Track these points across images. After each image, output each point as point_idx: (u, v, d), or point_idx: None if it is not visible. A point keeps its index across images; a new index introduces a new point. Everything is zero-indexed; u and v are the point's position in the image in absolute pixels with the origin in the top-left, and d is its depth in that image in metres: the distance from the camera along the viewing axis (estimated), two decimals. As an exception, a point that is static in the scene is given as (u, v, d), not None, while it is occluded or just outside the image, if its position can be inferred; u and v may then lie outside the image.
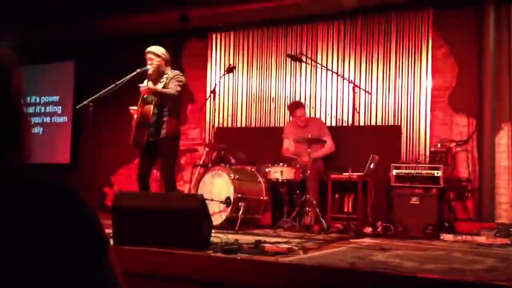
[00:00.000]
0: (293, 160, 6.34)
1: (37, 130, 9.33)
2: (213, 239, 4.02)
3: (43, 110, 9.45)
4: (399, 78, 7.03)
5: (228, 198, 5.64)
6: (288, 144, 6.79)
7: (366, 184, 6.38)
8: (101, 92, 5.04)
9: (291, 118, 7.04)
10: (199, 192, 5.67)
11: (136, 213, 3.82)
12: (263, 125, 7.79)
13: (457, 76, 6.80)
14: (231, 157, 6.25)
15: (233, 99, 8.03)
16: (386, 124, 7.04)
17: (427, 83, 6.88)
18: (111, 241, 3.70)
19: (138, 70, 5.37)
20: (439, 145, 6.49)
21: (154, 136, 5.25)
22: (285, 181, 5.99)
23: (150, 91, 5.19)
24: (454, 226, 5.98)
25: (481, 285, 2.78)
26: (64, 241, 0.92)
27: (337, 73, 7.18)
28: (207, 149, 7.16)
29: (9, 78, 1.01)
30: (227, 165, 5.95)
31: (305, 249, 3.92)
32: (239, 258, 3.39)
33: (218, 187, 5.77)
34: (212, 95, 6.85)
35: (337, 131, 6.97)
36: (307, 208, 5.79)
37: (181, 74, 5.51)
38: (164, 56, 5.43)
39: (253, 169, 6.12)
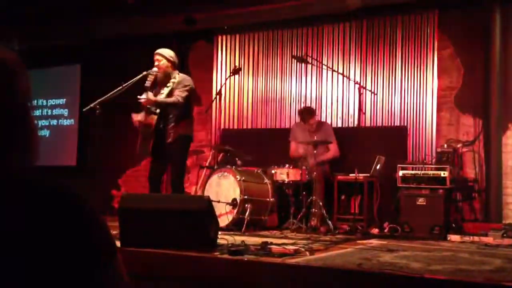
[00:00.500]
0: (299, 162, 6.34)
1: (44, 132, 9.37)
2: (219, 241, 4.03)
3: (50, 113, 9.50)
4: (405, 79, 7.02)
5: (234, 199, 5.64)
6: (295, 145, 6.79)
7: (373, 185, 6.37)
8: (108, 95, 5.06)
9: (297, 120, 7.03)
10: (206, 193, 5.68)
11: (142, 215, 3.83)
12: (269, 127, 7.80)
13: (463, 77, 6.79)
14: (237, 159, 6.25)
15: (239, 101, 8.04)
16: (392, 125, 7.03)
17: (433, 84, 6.87)
18: (118, 243, 3.71)
19: (145, 73, 5.40)
20: (445, 145, 6.47)
21: (161, 143, 5.29)
22: (291, 182, 5.99)
23: (150, 102, 5.21)
24: (461, 227, 5.96)
25: (489, 286, 2.77)
26: (65, 242, 0.93)
27: (342, 74, 7.17)
28: (213, 151, 7.17)
29: (17, 82, 1.02)
30: (233, 166, 5.95)
31: (312, 251, 3.91)
32: (245, 259, 3.39)
33: (224, 189, 5.77)
34: (218, 97, 6.87)
35: (343, 132, 6.96)
36: (314, 210, 5.78)
37: (189, 79, 5.51)
38: (172, 59, 5.45)
39: (259, 171, 6.12)
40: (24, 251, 0.90)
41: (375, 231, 5.98)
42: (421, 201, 5.90)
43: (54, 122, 9.47)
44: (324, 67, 7.33)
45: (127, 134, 7.01)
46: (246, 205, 5.56)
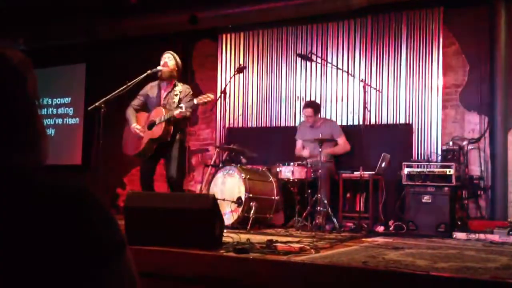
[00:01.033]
0: (305, 160, 6.34)
1: (49, 131, 9.40)
2: (225, 239, 4.03)
3: (55, 112, 9.53)
4: (409, 76, 7.01)
5: (239, 198, 5.64)
6: (301, 144, 6.80)
7: (378, 183, 6.37)
8: (113, 94, 5.08)
9: (303, 118, 7.04)
10: (211, 192, 5.69)
11: (148, 213, 3.84)
12: (274, 125, 7.80)
13: (468, 74, 6.77)
14: (242, 157, 6.26)
15: (243, 99, 8.04)
16: (397, 122, 7.02)
17: (438, 81, 6.85)
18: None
19: (149, 71, 5.43)
20: (451, 143, 6.45)
21: (161, 143, 5.41)
22: (296, 180, 5.98)
23: (182, 116, 5.32)
24: (467, 225, 5.95)
25: (495, 283, 2.77)
26: (73, 240, 0.93)
27: (347, 71, 7.16)
28: (218, 149, 7.18)
29: (24, 82, 1.02)
30: (238, 165, 5.96)
31: (317, 249, 3.91)
32: (251, 257, 3.40)
33: (229, 187, 5.78)
34: (222, 95, 6.87)
35: (348, 130, 6.96)
36: (319, 208, 5.78)
37: (189, 88, 5.67)
38: (179, 64, 5.57)
39: (264, 169, 6.13)
40: (32, 248, 0.90)
41: (381, 229, 5.98)
42: (426, 198, 5.89)
43: (60, 121, 9.50)
44: (328, 64, 7.32)
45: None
46: (251, 203, 5.56)
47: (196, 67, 8.37)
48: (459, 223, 5.95)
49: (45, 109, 9.51)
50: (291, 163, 6.08)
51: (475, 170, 6.59)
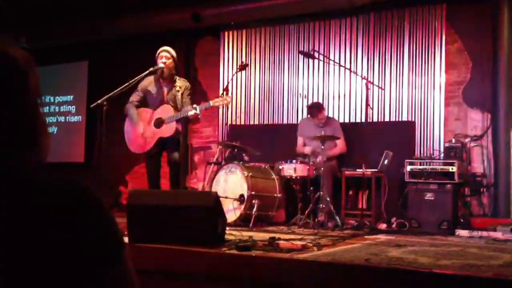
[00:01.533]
0: (307, 157, 6.34)
1: (52, 129, 9.40)
2: (227, 237, 4.03)
3: (57, 110, 9.54)
4: (412, 73, 7.00)
5: (242, 195, 5.65)
6: (303, 141, 6.79)
7: (380, 180, 6.36)
8: (115, 91, 5.08)
9: (306, 115, 7.03)
10: (213, 189, 5.69)
11: (150, 210, 3.84)
12: (276, 122, 7.79)
13: (471, 71, 6.75)
14: (244, 155, 6.26)
15: (246, 97, 8.04)
16: (400, 119, 7.01)
17: (441, 78, 6.84)
18: (126, 239, 3.73)
19: (151, 69, 5.45)
20: (453, 140, 6.44)
21: (164, 139, 5.45)
22: (298, 178, 5.98)
23: (196, 116, 5.35)
24: (470, 222, 5.94)
25: (498, 281, 2.76)
26: (74, 240, 0.93)
27: (350, 69, 7.15)
28: (220, 146, 7.18)
29: (27, 80, 1.02)
30: (241, 162, 5.96)
31: (320, 246, 3.91)
32: (253, 255, 3.40)
33: (231, 185, 5.78)
34: (225, 92, 6.86)
35: (350, 128, 6.95)
36: (321, 205, 5.77)
37: (188, 83, 5.72)
38: (176, 60, 5.60)
39: (266, 166, 6.12)
40: (32, 248, 0.90)
41: (383, 226, 5.98)
42: (429, 196, 5.88)
43: (62, 118, 9.51)
44: (331, 62, 7.31)
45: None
46: (254, 201, 5.56)
47: (199, 65, 8.37)
48: (461, 220, 5.94)
49: (48, 107, 9.52)
50: (294, 161, 6.07)
51: (477, 167, 6.58)
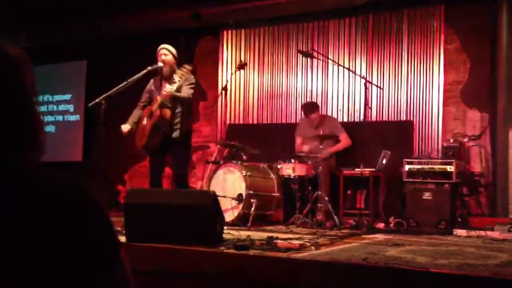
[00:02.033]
0: (305, 156, 6.34)
1: (50, 128, 9.40)
2: (225, 236, 4.04)
3: (55, 109, 9.53)
4: (411, 73, 7.00)
5: (240, 194, 5.65)
6: (301, 141, 6.79)
7: (379, 179, 6.36)
8: (113, 90, 5.07)
9: (303, 115, 7.03)
10: (211, 188, 5.69)
11: (148, 210, 3.84)
12: (275, 122, 7.79)
13: (469, 71, 6.76)
14: (242, 154, 6.26)
15: (244, 96, 8.04)
16: (398, 119, 7.02)
17: (439, 78, 6.84)
18: (123, 239, 3.73)
19: (150, 68, 5.44)
20: (451, 140, 6.45)
21: (167, 137, 5.37)
22: (297, 177, 5.98)
23: (170, 95, 5.28)
24: (467, 221, 5.94)
25: (495, 280, 2.77)
26: (72, 239, 0.93)
27: (348, 68, 7.15)
28: (219, 146, 7.17)
29: (23, 78, 1.02)
30: (239, 161, 5.96)
31: (318, 245, 3.92)
32: (251, 254, 3.40)
33: (230, 184, 5.78)
34: (223, 92, 6.87)
35: (348, 127, 6.95)
36: (319, 204, 5.78)
37: (191, 76, 5.62)
38: (176, 55, 5.58)
39: (265, 166, 6.12)
40: (32, 248, 0.90)
41: (381, 225, 5.98)
42: (427, 195, 5.89)
43: (60, 117, 9.50)
44: (330, 61, 7.31)
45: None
46: (252, 200, 5.56)
47: (198, 64, 8.36)
48: (459, 220, 5.94)
49: (46, 106, 9.51)
50: (292, 160, 6.08)
51: (476, 167, 6.59)
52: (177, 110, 5.49)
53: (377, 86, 6.95)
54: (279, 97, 7.81)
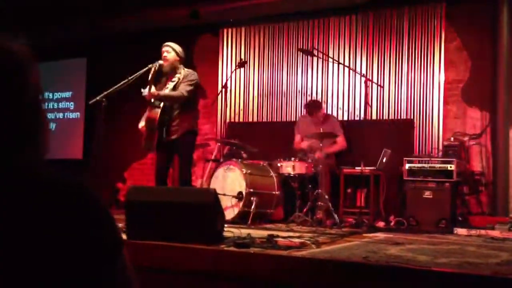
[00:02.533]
0: (305, 155, 6.34)
1: (50, 126, 9.40)
2: (225, 234, 4.03)
3: (56, 106, 9.53)
4: (411, 71, 7.00)
5: (240, 192, 5.64)
6: (300, 138, 6.79)
7: (379, 178, 6.37)
8: (113, 88, 5.06)
9: (304, 113, 7.02)
10: (211, 186, 5.68)
11: (149, 207, 3.84)
12: (275, 120, 7.79)
13: (470, 69, 6.75)
14: (242, 152, 6.25)
15: (244, 94, 8.04)
16: (399, 117, 7.01)
17: (440, 77, 6.84)
18: (124, 236, 3.72)
19: (150, 65, 5.41)
20: (452, 138, 6.45)
21: (166, 137, 5.32)
22: (297, 175, 5.98)
23: (153, 96, 5.23)
24: (468, 220, 5.95)
25: (496, 279, 2.76)
26: (74, 237, 0.93)
27: (349, 67, 7.15)
28: (219, 144, 7.17)
29: (28, 75, 1.01)
30: (239, 159, 5.95)
31: (318, 243, 3.91)
32: (252, 252, 3.40)
33: (230, 182, 5.77)
34: (223, 90, 6.86)
35: (349, 125, 6.95)
36: (320, 203, 5.77)
37: (194, 73, 5.53)
38: (180, 53, 5.50)
39: (265, 164, 6.12)
40: (32, 247, 0.90)
41: (381, 224, 5.98)
42: (427, 194, 5.89)
43: (60, 115, 9.50)
44: (330, 60, 7.31)
45: (133, 127, 7.02)
46: (252, 198, 5.56)
47: (198, 62, 8.35)
48: (460, 218, 5.95)
49: (46, 103, 9.50)
50: (292, 158, 6.08)
51: (476, 165, 6.59)
52: (175, 111, 5.38)
53: (377, 84, 6.94)
54: (279, 95, 7.81)
